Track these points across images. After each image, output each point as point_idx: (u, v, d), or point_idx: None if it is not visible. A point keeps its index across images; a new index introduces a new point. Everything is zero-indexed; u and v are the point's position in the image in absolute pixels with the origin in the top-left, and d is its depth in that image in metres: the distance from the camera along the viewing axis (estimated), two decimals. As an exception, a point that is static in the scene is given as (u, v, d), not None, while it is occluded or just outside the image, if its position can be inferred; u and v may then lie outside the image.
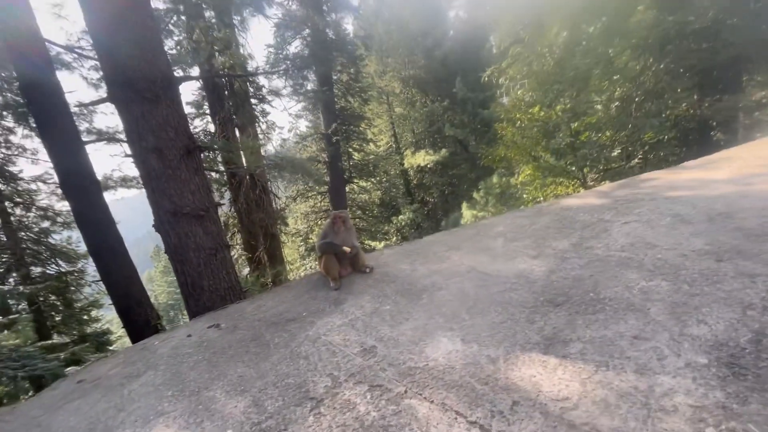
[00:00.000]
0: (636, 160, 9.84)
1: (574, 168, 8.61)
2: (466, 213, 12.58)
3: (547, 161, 9.24)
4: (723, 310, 1.79)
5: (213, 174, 10.32)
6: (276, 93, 8.46)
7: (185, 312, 4.73)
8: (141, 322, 6.37)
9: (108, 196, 7.97)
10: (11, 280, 13.56)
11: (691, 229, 2.62)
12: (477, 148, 23.66)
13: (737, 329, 1.65)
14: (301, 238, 17.70)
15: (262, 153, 13.66)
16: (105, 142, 7.40)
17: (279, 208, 15.21)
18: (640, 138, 9.03)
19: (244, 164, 9.30)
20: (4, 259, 13.30)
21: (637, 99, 9.27)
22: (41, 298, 13.60)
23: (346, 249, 3.03)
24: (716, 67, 8.65)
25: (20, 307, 13.94)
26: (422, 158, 24.22)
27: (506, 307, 2.24)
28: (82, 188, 5.59)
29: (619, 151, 8.91)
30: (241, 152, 6.88)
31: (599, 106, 9.51)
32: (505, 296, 2.36)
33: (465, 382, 1.72)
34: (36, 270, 13.59)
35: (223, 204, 14.04)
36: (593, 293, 2.17)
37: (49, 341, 10.29)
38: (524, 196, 11.37)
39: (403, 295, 2.69)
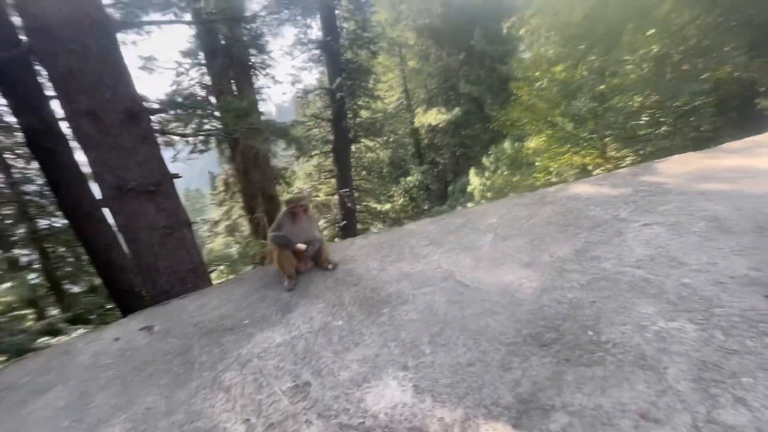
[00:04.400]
0: (664, 128, 8.84)
1: (594, 136, 7.75)
2: (474, 180, 11.88)
3: (564, 127, 8.37)
4: (773, 385, 1.27)
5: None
6: (276, 38, 7.61)
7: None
8: (125, 290, 6.18)
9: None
10: (19, 232, 13.71)
11: (732, 243, 2.04)
12: (493, 107, 22.29)
13: (794, 424, 1.15)
14: (304, 199, 17.31)
15: (261, 109, 12.95)
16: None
17: (280, 167, 14.72)
18: (673, 104, 8.01)
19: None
20: (9, 212, 13.36)
21: (675, 58, 8.12)
22: (51, 251, 13.79)
23: (301, 246, 2.54)
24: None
25: (32, 257, 14.22)
26: (434, 117, 23.03)
27: (479, 340, 1.76)
28: (46, 149, 5.14)
29: (647, 118, 7.95)
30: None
31: (630, 66, 8.40)
32: (481, 322, 1.88)
33: (403, 462, 1.28)
34: (43, 223, 13.64)
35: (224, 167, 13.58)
36: (592, 331, 1.67)
37: (31, 315, 10.40)
38: (537, 164, 10.57)
39: (361, 305, 2.23)
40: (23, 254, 13.74)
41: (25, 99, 5.06)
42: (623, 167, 8.53)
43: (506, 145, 11.25)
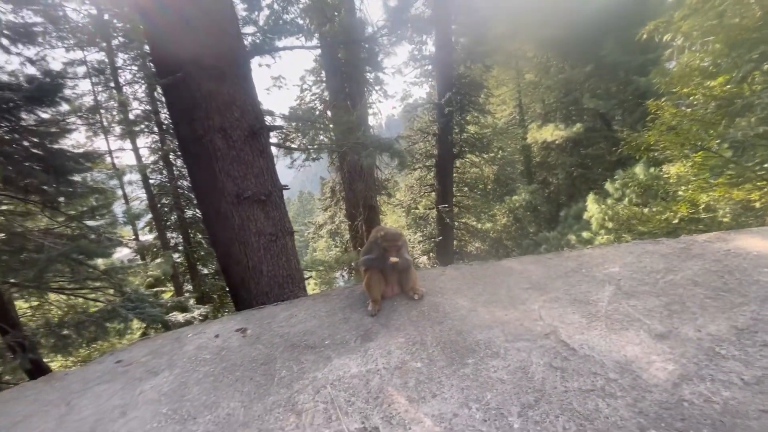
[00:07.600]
0: None
1: (766, 167, 6.13)
2: (592, 207, 10.46)
3: (721, 153, 6.81)
4: None
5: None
6: (390, 55, 7.93)
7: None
8: (237, 281, 6.97)
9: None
10: (172, 218, 16.86)
11: None
12: (623, 125, 19.64)
13: None
14: (403, 210, 17.58)
15: (371, 123, 13.60)
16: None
17: (383, 178, 15.23)
18: None
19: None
20: (166, 202, 16.53)
21: None
22: (192, 236, 16.63)
23: (394, 259, 2.44)
24: None
25: (179, 239, 17.27)
26: (550, 133, 21.24)
27: (584, 428, 1.41)
28: (194, 154, 6.12)
29: None
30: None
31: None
32: (589, 403, 1.52)
33: None
34: (189, 213, 16.53)
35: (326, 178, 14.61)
36: (763, 459, 1.19)
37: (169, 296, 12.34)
38: (680, 194, 8.81)
39: (444, 349, 2.03)
40: (172, 237, 16.73)
41: (183, 113, 6.12)
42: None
43: (638, 169, 9.66)
